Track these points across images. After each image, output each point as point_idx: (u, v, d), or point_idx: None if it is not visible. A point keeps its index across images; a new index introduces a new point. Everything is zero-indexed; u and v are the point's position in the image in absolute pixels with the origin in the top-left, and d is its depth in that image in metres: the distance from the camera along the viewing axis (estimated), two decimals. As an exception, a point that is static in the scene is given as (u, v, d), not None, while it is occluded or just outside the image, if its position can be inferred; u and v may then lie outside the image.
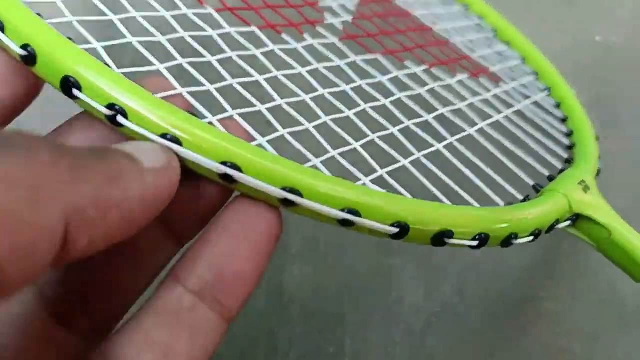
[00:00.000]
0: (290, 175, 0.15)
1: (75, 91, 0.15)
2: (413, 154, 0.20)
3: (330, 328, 0.27)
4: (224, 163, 0.15)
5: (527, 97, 0.28)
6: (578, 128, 0.27)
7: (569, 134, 0.27)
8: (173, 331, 0.16)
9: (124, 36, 0.18)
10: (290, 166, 0.15)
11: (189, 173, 0.16)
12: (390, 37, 0.26)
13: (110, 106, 0.15)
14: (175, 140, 0.15)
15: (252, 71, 0.20)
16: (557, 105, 0.29)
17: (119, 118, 0.15)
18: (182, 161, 0.15)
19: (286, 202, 0.15)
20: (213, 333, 0.16)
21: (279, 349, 0.26)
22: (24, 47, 0.15)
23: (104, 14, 0.18)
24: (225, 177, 0.15)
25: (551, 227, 0.20)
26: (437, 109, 0.23)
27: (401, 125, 0.21)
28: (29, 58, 0.15)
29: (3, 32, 0.15)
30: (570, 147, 0.26)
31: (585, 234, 0.21)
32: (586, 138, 0.26)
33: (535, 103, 0.28)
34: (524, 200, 0.20)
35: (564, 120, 0.28)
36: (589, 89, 0.37)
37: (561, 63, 0.31)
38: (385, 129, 0.21)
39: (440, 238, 0.17)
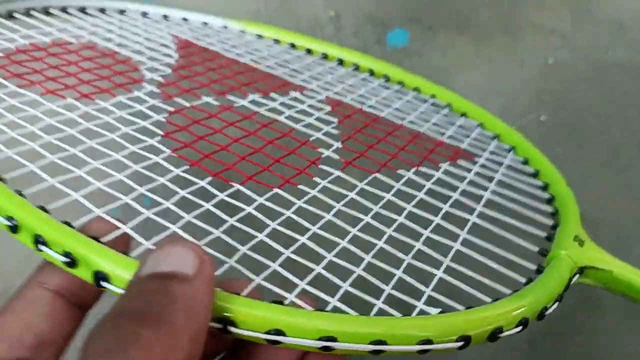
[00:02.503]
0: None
1: None
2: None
3: None
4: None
5: (500, 163, 0.32)
6: (552, 181, 0.31)
7: (544, 187, 0.31)
8: None
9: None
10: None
11: None
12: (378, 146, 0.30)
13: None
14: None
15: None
16: (525, 162, 0.33)
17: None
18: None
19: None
20: None
21: None
22: None
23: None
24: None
25: (568, 286, 0.24)
26: (441, 207, 0.27)
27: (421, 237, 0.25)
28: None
29: None
30: (550, 201, 0.30)
31: (593, 280, 0.25)
32: (562, 190, 0.30)
33: (509, 167, 0.32)
34: (538, 272, 0.24)
35: (535, 175, 0.32)
36: (554, 113, 0.39)
37: (521, 94, 0.33)
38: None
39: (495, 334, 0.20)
